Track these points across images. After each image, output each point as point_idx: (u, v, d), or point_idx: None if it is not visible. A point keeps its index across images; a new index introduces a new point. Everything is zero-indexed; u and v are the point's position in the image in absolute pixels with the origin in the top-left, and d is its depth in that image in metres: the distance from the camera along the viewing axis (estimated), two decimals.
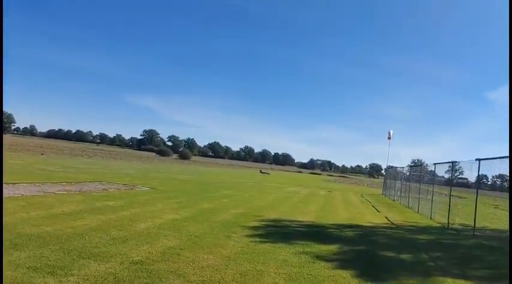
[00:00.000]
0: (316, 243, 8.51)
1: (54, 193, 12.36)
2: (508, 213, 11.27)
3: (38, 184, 14.25)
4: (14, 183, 13.41)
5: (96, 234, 7.24)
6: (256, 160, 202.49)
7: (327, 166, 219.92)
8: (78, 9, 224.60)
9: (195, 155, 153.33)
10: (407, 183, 24.61)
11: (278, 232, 9.73)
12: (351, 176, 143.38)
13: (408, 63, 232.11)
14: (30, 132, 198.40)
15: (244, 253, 7.02)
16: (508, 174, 11.49)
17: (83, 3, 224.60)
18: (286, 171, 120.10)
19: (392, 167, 36.31)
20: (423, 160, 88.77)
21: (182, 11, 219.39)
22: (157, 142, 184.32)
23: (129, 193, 14.82)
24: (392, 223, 14.04)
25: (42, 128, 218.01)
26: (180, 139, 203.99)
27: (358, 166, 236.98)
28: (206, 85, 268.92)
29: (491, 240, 10.98)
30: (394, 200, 27.50)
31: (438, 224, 14.69)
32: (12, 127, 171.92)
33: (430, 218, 16.26)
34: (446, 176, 17.86)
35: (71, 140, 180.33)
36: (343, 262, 7.13)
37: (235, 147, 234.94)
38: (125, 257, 5.95)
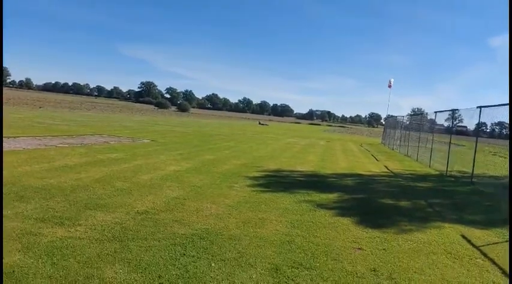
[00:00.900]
0: (317, 192, 8.66)
1: (56, 146, 12.40)
2: (507, 161, 11.36)
3: (38, 137, 14.27)
4: (14, 137, 13.41)
5: (101, 186, 7.34)
6: (254, 112, 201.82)
7: (326, 117, 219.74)
8: None
9: (193, 107, 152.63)
10: (407, 132, 24.70)
11: (279, 181, 9.88)
12: (350, 126, 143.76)
13: (410, 10, 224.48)
14: (26, 85, 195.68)
15: (247, 202, 7.15)
16: (508, 121, 11.47)
17: None
18: (285, 122, 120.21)
19: (392, 116, 36.26)
20: (423, 109, 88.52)
21: None
22: (155, 95, 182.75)
23: (130, 145, 14.89)
24: (392, 172, 14.24)
25: (38, 81, 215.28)
26: (178, 91, 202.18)
27: (357, 116, 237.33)
28: (203, 35, 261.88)
29: (489, 187, 11.19)
30: (393, 149, 27.74)
31: (437, 172, 14.91)
32: (8, 81, 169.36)
33: (429, 166, 16.48)
34: (446, 124, 17.91)
35: (69, 93, 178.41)
36: (343, 209, 7.28)
37: (233, 99, 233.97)
38: (130, 207, 6.06)
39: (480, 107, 12.18)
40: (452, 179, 13.23)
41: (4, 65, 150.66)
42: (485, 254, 5.30)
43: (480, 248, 5.58)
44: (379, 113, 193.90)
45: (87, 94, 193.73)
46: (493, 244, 5.85)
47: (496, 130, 33.92)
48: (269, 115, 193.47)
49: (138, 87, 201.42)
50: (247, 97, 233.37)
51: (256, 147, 19.86)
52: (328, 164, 14.72)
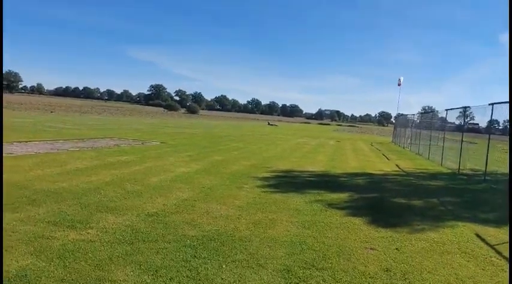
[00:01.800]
0: (328, 192, 8.60)
1: (67, 150, 12.52)
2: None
3: (50, 141, 14.42)
4: (26, 141, 13.58)
5: (111, 188, 7.38)
6: (263, 113, 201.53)
7: (335, 116, 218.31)
8: None
9: (202, 109, 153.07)
10: (418, 130, 24.45)
11: (289, 182, 9.83)
12: (360, 125, 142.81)
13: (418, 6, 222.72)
14: (38, 90, 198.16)
15: (257, 203, 7.13)
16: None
17: None
18: (294, 122, 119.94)
19: (402, 115, 35.95)
20: (434, 107, 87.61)
21: None
22: (165, 97, 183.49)
23: (140, 148, 14.97)
24: (403, 170, 14.10)
25: (49, 86, 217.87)
26: (187, 93, 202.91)
27: (367, 115, 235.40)
28: (211, 37, 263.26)
29: (501, 184, 11.00)
30: (404, 147, 27.50)
31: (449, 171, 14.72)
32: (20, 86, 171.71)
33: (441, 164, 16.28)
34: (457, 122, 17.66)
35: (79, 97, 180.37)
36: (354, 209, 7.22)
37: (242, 100, 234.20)
38: (141, 209, 6.08)
39: (492, 104, 11.99)
40: (465, 177, 13.04)
41: (15, 71, 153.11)
42: (500, 253, 5.20)
43: (495, 246, 5.48)
44: (389, 111, 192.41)
45: (98, 98, 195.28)
46: (507, 242, 5.74)
47: (509, 127, 33.34)
48: (278, 115, 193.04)
49: (148, 90, 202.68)
50: (256, 98, 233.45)
51: (265, 147, 19.83)
52: (338, 164, 14.63)
